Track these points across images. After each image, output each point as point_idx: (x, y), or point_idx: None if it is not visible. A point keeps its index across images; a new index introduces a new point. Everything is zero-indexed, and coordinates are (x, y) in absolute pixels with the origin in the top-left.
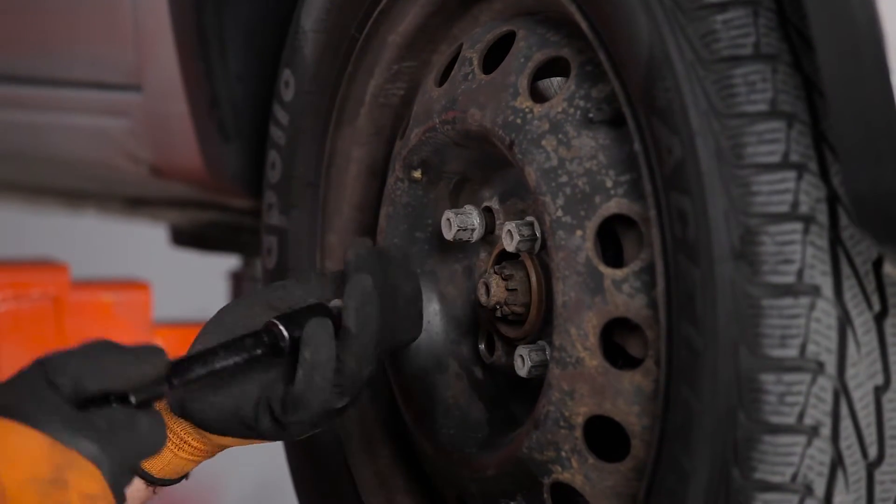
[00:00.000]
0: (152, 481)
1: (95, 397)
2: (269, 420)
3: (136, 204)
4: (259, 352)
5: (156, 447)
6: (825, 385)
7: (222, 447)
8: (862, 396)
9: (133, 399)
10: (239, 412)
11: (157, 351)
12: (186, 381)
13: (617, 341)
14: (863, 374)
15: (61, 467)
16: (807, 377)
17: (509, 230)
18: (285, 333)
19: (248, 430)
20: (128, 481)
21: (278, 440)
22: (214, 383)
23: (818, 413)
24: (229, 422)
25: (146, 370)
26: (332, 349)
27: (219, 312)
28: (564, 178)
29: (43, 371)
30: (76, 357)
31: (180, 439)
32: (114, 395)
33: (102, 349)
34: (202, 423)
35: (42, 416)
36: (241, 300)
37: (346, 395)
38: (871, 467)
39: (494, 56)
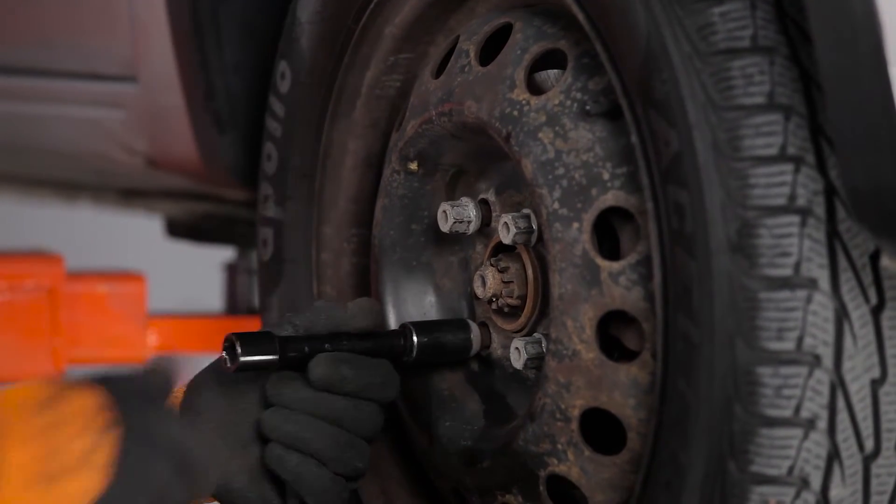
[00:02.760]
0: None
1: None
2: None
3: (131, 195)
4: (384, 347)
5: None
6: (822, 378)
7: None
8: (858, 389)
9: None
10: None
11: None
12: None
13: (613, 334)
14: (859, 367)
15: None
16: (803, 370)
17: (506, 222)
18: (415, 342)
19: None
20: None
21: None
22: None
23: (815, 406)
24: None
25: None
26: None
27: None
28: (561, 171)
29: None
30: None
31: None
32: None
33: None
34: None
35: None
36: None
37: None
38: (868, 460)
39: (491, 48)
